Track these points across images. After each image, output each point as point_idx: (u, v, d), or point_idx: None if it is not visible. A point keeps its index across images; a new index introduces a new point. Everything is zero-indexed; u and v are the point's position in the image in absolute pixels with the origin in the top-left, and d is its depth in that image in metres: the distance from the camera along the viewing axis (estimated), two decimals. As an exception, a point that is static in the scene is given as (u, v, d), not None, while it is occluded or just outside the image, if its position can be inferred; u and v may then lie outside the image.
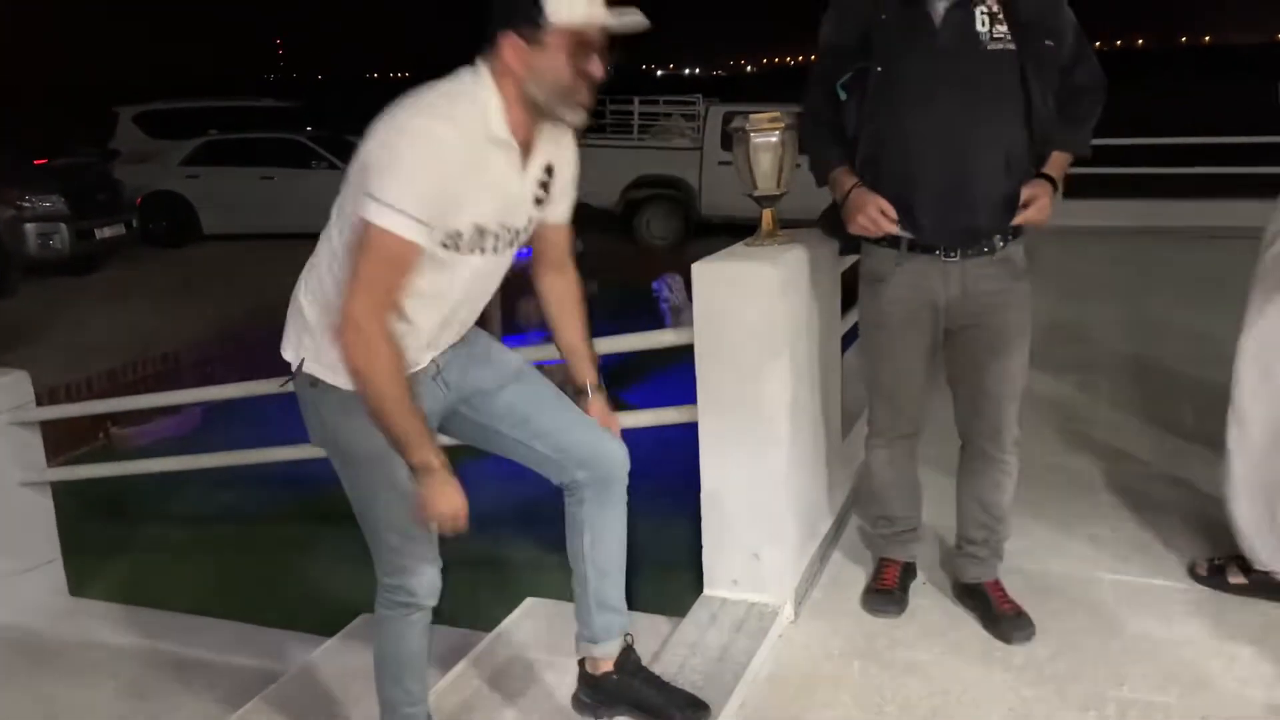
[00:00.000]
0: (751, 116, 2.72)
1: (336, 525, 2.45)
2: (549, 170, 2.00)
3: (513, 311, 5.78)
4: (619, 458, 2.15)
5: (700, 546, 2.76)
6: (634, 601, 2.29)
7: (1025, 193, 2.37)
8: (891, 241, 2.45)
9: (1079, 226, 6.86)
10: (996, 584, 2.69)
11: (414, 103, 1.79)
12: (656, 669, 2.33)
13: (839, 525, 3.18)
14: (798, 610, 2.75)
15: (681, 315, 6.50)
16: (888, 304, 2.52)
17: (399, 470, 1.89)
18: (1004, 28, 2.32)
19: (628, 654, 2.23)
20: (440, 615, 2.16)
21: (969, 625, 2.65)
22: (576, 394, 2.22)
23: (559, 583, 2.37)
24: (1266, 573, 2.67)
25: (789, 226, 2.85)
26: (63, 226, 10.29)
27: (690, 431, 2.72)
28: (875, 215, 2.38)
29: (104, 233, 10.87)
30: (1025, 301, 2.50)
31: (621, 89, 13.47)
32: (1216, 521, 2.81)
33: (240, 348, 6.82)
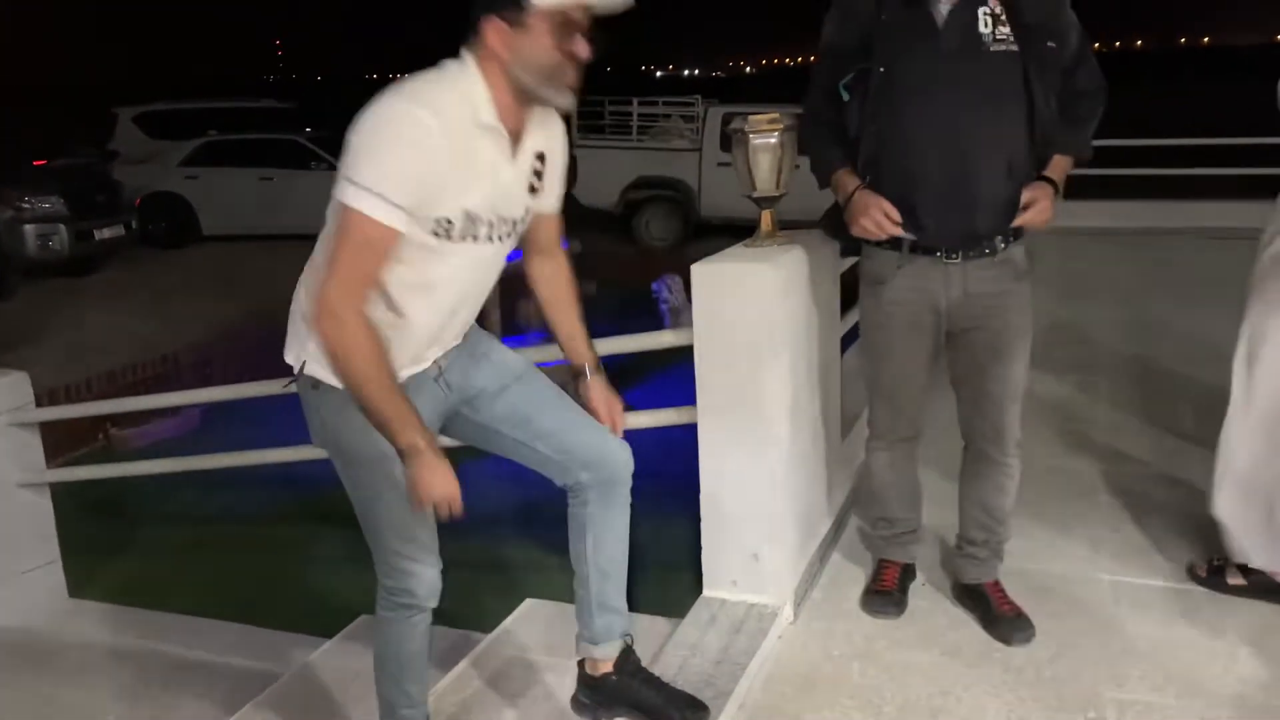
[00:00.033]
0: (750, 118, 2.71)
1: (336, 526, 2.45)
2: (541, 158, 1.99)
3: (513, 312, 5.79)
4: (623, 459, 2.14)
5: (699, 547, 2.76)
6: (633, 602, 2.28)
7: (1026, 195, 2.36)
8: (893, 243, 2.44)
9: (1078, 227, 6.86)
10: (996, 585, 2.69)
11: (396, 89, 1.78)
12: (656, 670, 2.32)
13: (838, 526, 3.18)
14: (797, 611, 2.75)
15: (681, 316, 6.50)
16: (889, 306, 2.52)
17: (400, 472, 1.89)
18: (1006, 29, 2.31)
19: (627, 655, 2.23)
20: (440, 616, 2.15)
21: (968, 626, 2.66)
22: (576, 376, 2.22)
23: (559, 584, 2.37)
24: (1265, 574, 2.68)
25: (788, 228, 2.85)
26: (62, 227, 10.29)
27: (690, 432, 2.72)
28: (879, 217, 2.37)
29: (103, 234, 10.86)
30: (1027, 304, 2.50)
31: (620, 90, 13.48)
32: (1216, 523, 2.81)
33: (239, 348, 6.83)
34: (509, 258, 2.06)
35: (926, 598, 2.81)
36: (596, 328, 2.33)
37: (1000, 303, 2.46)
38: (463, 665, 2.70)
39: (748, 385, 2.60)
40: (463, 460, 2.05)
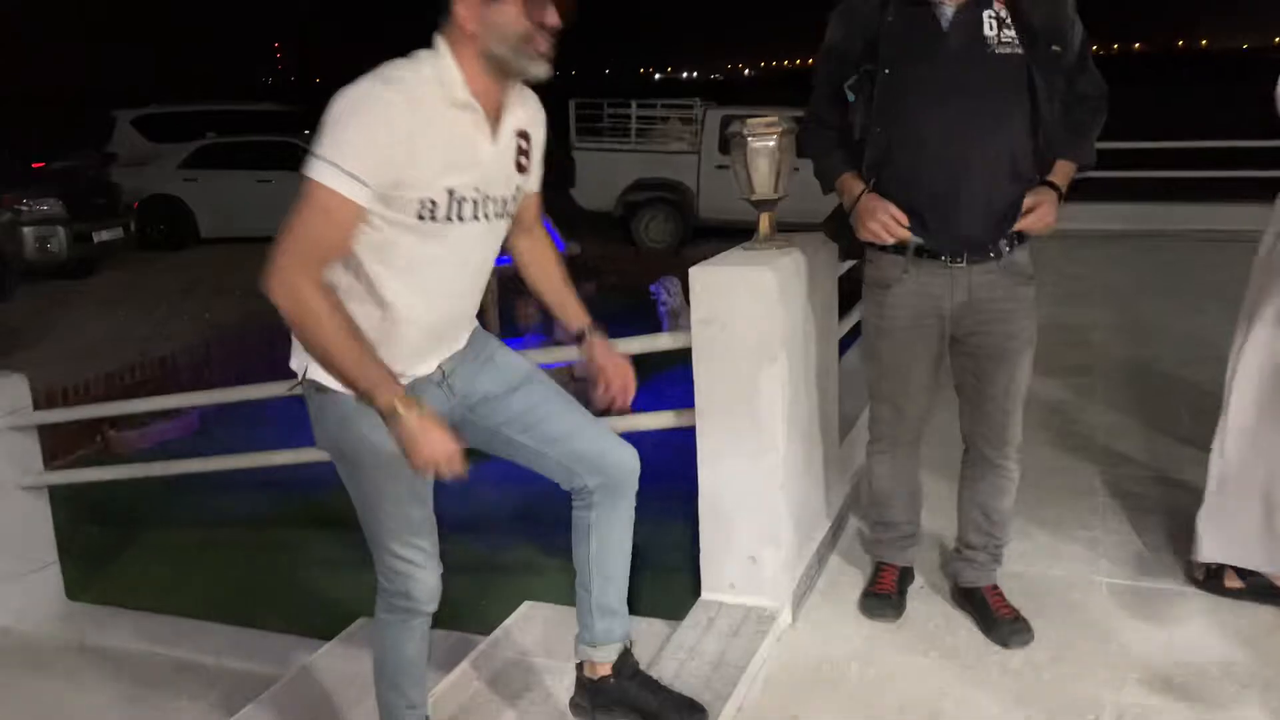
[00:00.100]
0: (749, 121, 2.71)
1: (334, 529, 2.46)
2: (525, 137, 2.00)
3: (511, 313, 5.79)
4: (631, 466, 2.13)
5: (698, 550, 2.76)
6: (632, 605, 2.28)
7: (1028, 200, 2.36)
8: (898, 248, 2.43)
9: (1077, 230, 6.87)
10: (994, 588, 2.69)
11: (368, 74, 1.79)
12: (654, 673, 2.33)
13: (836, 529, 3.18)
14: (795, 614, 2.75)
15: (679, 319, 6.50)
16: (893, 310, 2.51)
17: (403, 476, 1.89)
18: (1012, 32, 2.30)
19: (626, 658, 2.23)
20: (439, 618, 2.15)
21: (966, 629, 2.66)
22: (576, 339, 2.22)
23: (557, 586, 2.38)
24: (1263, 576, 2.68)
25: (787, 230, 2.85)
26: (60, 230, 10.30)
27: (688, 435, 2.72)
28: (886, 221, 2.36)
29: (101, 236, 10.88)
30: (1031, 309, 2.49)
31: (619, 92, 13.47)
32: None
33: (237, 351, 6.83)
34: (498, 262, 2.06)
35: (925, 600, 2.81)
36: (595, 330, 2.33)
37: (1004, 307, 2.45)
38: (462, 667, 2.70)
39: (746, 388, 2.60)
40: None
